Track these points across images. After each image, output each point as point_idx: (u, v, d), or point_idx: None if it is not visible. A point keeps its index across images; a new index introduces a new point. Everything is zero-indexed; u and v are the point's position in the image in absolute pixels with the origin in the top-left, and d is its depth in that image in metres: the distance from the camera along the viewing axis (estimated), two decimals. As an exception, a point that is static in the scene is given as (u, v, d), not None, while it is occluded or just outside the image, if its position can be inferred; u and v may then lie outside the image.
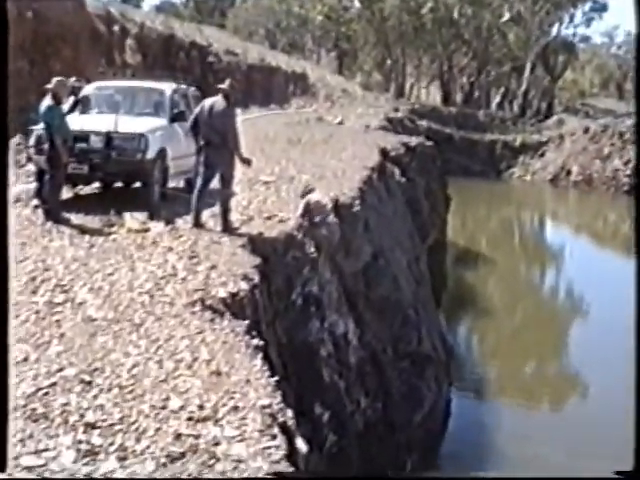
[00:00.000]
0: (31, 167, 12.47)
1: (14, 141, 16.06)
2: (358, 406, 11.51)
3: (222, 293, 8.01)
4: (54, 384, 5.59)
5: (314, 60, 78.56)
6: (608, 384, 16.18)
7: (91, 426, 5.04)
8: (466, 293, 25.11)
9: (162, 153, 12.34)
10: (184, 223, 10.95)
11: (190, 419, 5.24)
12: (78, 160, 11.58)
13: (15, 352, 6.03)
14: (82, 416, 5.16)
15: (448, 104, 67.09)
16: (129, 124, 12.15)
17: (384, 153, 21.16)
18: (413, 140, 25.99)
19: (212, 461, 4.74)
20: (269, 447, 4.94)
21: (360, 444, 11.07)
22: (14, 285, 7.70)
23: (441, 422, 14.42)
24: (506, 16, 67.20)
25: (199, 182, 10.96)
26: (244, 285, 8.41)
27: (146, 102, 13.64)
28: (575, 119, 63.37)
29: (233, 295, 8.08)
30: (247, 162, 11.09)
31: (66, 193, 12.00)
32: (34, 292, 7.62)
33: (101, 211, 11.19)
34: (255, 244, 10.13)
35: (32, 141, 11.63)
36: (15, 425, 4.92)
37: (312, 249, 11.23)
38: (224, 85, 10.99)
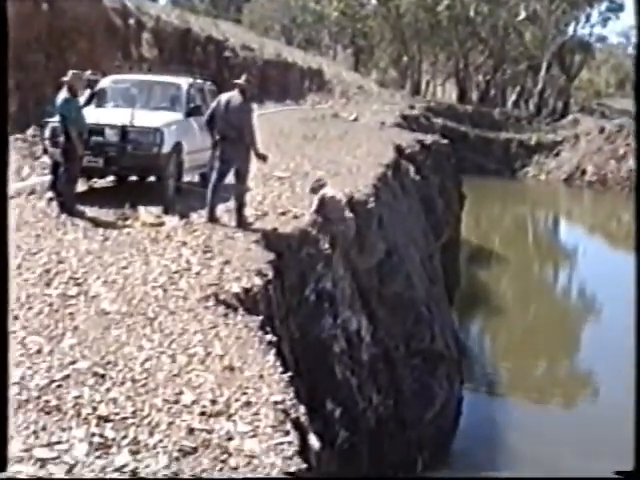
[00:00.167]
0: (46, 159, 12.47)
1: (29, 133, 16.14)
2: (370, 403, 11.50)
3: (236, 288, 8.00)
4: (67, 377, 5.58)
5: (330, 56, 78.55)
6: (619, 384, 16.10)
7: (104, 419, 5.03)
8: (479, 291, 25.09)
9: (177, 147, 12.34)
10: (198, 217, 10.96)
11: (203, 414, 5.22)
12: (93, 153, 11.58)
13: (29, 344, 6.05)
14: (95, 409, 5.15)
15: (464, 102, 66.85)
16: (145, 118, 12.14)
17: (399, 150, 21.13)
18: (428, 138, 25.91)
19: (225, 456, 4.72)
20: (282, 443, 4.93)
21: (371, 441, 11.08)
22: (28, 277, 7.74)
23: (452, 420, 14.42)
24: (522, 15, 66.87)
25: (214, 177, 10.93)
26: (258, 280, 8.41)
27: (162, 96, 13.63)
28: (591, 119, 63.10)
29: (247, 290, 8.07)
30: (263, 158, 11.07)
31: (81, 186, 11.99)
32: (48, 284, 7.61)
33: (116, 204, 11.20)
34: (269, 240, 10.12)
35: (48, 133, 11.61)
36: (28, 417, 4.93)
37: (326, 245, 11.22)
38: (240, 80, 10.98)
